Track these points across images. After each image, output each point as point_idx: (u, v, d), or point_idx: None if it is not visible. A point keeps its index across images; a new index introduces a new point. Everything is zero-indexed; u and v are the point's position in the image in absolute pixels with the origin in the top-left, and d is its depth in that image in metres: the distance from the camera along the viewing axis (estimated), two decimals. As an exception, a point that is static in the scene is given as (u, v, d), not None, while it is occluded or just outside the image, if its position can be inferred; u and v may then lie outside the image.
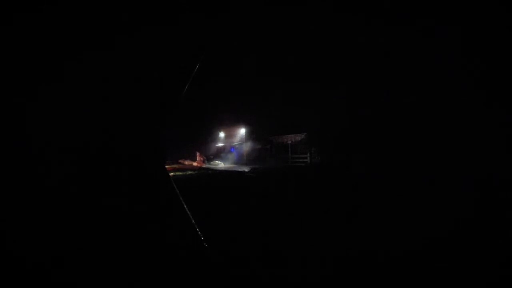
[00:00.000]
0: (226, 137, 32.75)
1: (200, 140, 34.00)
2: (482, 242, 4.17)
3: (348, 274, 3.35)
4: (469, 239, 4.31)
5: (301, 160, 20.46)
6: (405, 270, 3.41)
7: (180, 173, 18.50)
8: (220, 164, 26.33)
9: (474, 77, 9.63)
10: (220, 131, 33.66)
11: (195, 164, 29.14)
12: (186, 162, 31.77)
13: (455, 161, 9.54)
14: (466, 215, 5.59)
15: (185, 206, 6.39)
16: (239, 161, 28.00)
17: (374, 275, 3.31)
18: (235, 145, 29.81)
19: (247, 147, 27.76)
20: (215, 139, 33.95)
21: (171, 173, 17.36)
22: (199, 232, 4.69)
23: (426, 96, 11.34)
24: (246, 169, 20.10)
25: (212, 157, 30.63)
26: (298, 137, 21.31)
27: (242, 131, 28.57)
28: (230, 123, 30.47)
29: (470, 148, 9.41)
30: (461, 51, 10.09)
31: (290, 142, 22.06)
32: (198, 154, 32.82)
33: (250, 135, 27.42)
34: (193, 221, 5.34)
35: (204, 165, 26.23)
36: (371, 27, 14.37)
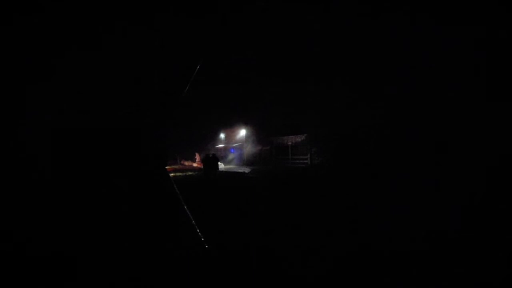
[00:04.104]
0: (227, 138, 32.71)
1: (200, 141, 33.98)
2: (482, 242, 4.16)
3: (349, 273, 3.34)
4: (470, 238, 4.30)
5: (301, 161, 20.43)
6: (405, 270, 3.40)
7: (180, 173, 18.49)
8: (220, 165, 26.29)
9: (474, 77, 9.64)
10: (220, 132, 33.62)
11: (195, 165, 29.11)
12: (186, 163, 31.74)
13: (455, 161, 9.53)
14: (466, 214, 5.58)
15: (185, 207, 6.39)
16: (239, 162, 27.97)
17: (374, 274, 3.30)
18: (235, 146, 29.78)
19: (247, 148, 27.72)
20: (216, 140, 33.92)
21: (172, 174, 17.35)
22: (199, 233, 4.69)
23: (426, 96, 11.34)
24: (246, 170, 20.08)
25: (210, 158, 30.48)
26: (298, 138, 21.28)
27: (242, 132, 28.52)
28: (231, 124, 30.44)
29: (470, 148, 9.41)
30: (461, 51, 10.10)
31: (290, 143, 22.02)
32: (197, 155, 32.79)
33: (250, 136, 27.38)
34: (193, 221, 5.34)
35: (204, 166, 26.16)
36: (372, 27, 14.39)
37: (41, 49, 3.58)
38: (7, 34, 3.28)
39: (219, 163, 26.85)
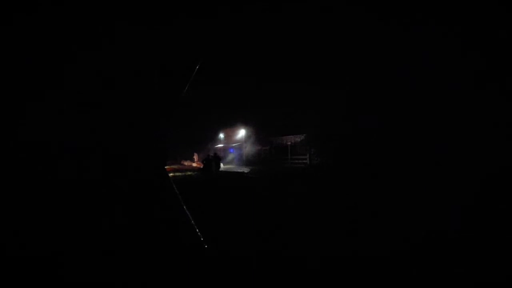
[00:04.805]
0: (226, 138, 32.67)
1: (200, 141, 33.93)
2: (482, 242, 4.16)
3: (349, 274, 3.33)
4: (470, 238, 4.30)
5: (300, 161, 20.43)
6: (405, 270, 3.40)
7: (180, 173, 18.47)
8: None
9: (474, 77, 9.65)
10: (220, 132, 33.59)
11: (194, 165, 29.10)
12: (186, 163, 31.75)
13: (455, 161, 9.53)
14: (466, 214, 5.58)
15: (184, 207, 6.38)
16: (239, 162, 27.95)
17: (374, 274, 3.30)
18: (235, 146, 29.76)
19: (246, 148, 27.71)
20: (215, 140, 33.88)
21: (171, 174, 17.32)
22: (198, 233, 4.68)
23: (426, 96, 11.34)
24: (245, 170, 20.07)
25: (210, 158, 30.48)
26: (298, 138, 21.27)
27: (242, 132, 28.49)
28: (230, 124, 30.41)
29: (470, 148, 9.41)
30: (461, 51, 10.10)
31: (289, 143, 22.02)
32: (195, 155, 32.78)
33: (250, 136, 27.36)
34: (192, 221, 5.33)
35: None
36: (372, 27, 14.39)
37: (41, 49, 3.57)
38: (7, 34, 3.27)
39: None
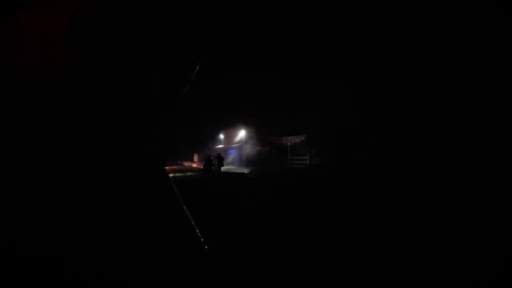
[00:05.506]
0: (226, 138, 32.64)
1: (200, 141, 33.90)
2: (482, 242, 4.15)
3: (349, 274, 3.33)
4: (470, 238, 4.29)
5: (300, 161, 20.42)
6: (405, 270, 3.40)
7: (180, 174, 18.46)
8: (220, 165, 26.24)
9: (474, 77, 9.65)
10: (220, 133, 33.57)
11: (194, 165, 29.10)
12: (186, 163, 31.73)
13: (456, 160, 9.53)
14: (466, 214, 5.57)
15: (184, 207, 6.37)
16: (239, 162, 27.94)
17: (373, 274, 3.29)
18: (235, 146, 29.74)
19: (246, 148, 27.68)
20: (215, 140, 33.85)
21: (171, 174, 17.32)
22: (198, 233, 4.67)
23: (426, 96, 11.34)
24: (245, 170, 20.07)
25: (211, 158, 30.50)
26: (298, 139, 21.25)
27: (242, 132, 28.46)
28: (230, 124, 30.39)
29: (470, 148, 9.41)
30: (462, 51, 10.11)
31: (289, 143, 22.00)
32: (195, 155, 32.77)
33: (250, 137, 27.33)
34: (192, 222, 5.32)
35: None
36: (372, 27, 14.40)
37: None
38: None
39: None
